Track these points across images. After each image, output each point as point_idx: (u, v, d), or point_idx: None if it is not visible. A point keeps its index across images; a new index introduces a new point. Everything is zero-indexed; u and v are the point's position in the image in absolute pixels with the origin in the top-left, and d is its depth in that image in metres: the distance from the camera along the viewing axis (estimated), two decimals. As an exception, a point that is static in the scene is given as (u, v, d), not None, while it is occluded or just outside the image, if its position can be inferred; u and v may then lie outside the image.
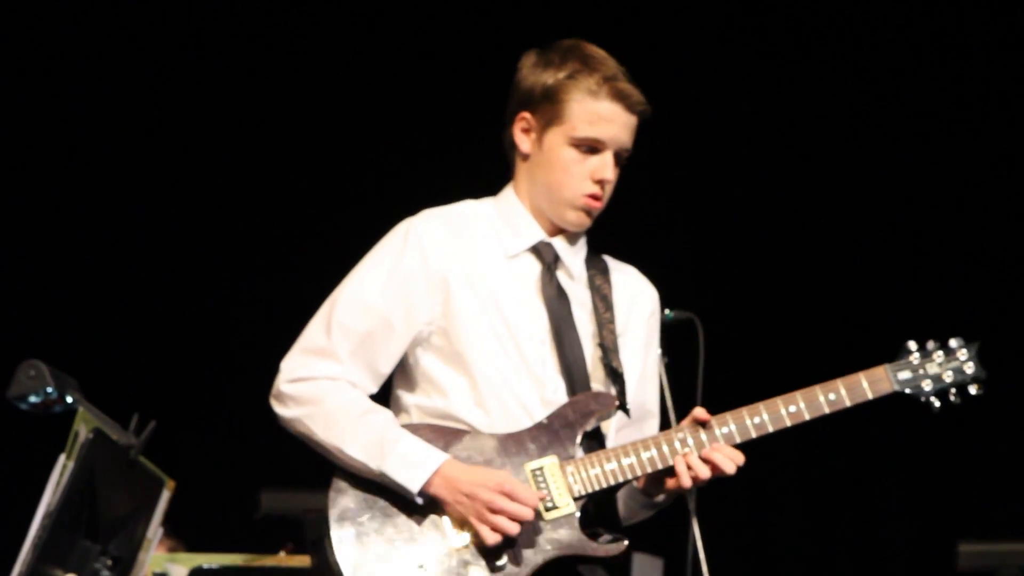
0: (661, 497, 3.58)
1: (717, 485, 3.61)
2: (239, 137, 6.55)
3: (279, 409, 3.57)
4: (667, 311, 5.25)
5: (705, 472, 3.46)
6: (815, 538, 6.79)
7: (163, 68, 6.54)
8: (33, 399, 3.59)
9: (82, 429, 3.56)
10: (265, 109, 6.58)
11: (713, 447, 3.48)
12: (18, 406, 3.61)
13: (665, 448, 3.49)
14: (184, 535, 5.26)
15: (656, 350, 3.75)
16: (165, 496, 3.96)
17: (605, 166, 3.56)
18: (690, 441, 3.50)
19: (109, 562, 3.66)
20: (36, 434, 4.21)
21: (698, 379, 4.92)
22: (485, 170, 3.77)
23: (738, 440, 3.52)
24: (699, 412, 3.53)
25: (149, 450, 3.73)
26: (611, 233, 3.80)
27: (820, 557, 6.78)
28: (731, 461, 3.47)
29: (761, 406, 3.54)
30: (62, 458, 3.51)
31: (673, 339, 5.19)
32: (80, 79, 6.47)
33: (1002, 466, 6.45)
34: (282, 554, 5.16)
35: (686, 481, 3.47)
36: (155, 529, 3.98)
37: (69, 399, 3.61)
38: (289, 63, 6.59)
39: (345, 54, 6.61)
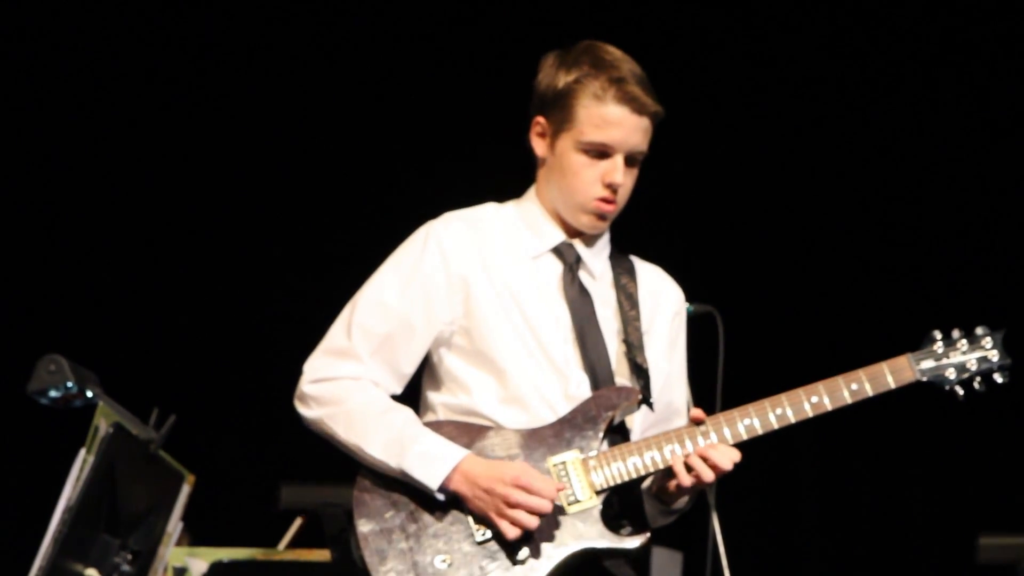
0: (676, 504, 3.57)
1: (737, 479, 3.60)
2: (262, 136, 6.56)
3: (302, 410, 3.59)
4: (687, 305, 5.26)
5: (706, 472, 3.43)
6: (835, 531, 6.78)
7: (197, 73, 6.55)
8: (53, 394, 3.60)
9: (102, 424, 3.56)
10: (293, 112, 6.59)
11: (709, 445, 3.46)
12: (38, 401, 3.62)
13: (688, 442, 3.48)
14: (198, 529, 5.26)
15: (683, 350, 3.74)
16: (185, 490, 3.96)
17: (615, 170, 3.55)
18: (712, 436, 3.48)
19: (129, 556, 3.67)
20: (56, 429, 4.21)
21: (718, 372, 4.91)
22: (510, 173, 3.77)
23: (760, 432, 3.50)
24: (695, 413, 3.51)
25: (169, 444, 3.74)
26: (632, 227, 3.79)
27: (840, 550, 6.77)
28: (729, 459, 3.45)
29: (783, 397, 3.52)
30: (82, 452, 3.52)
31: (693, 332, 5.19)
32: (114, 79, 6.48)
33: (1023, 458, 6.44)
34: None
35: (685, 480, 3.44)
36: (175, 523, 3.99)
37: (89, 394, 3.62)
38: (317, 69, 6.60)
39: (371, 58, 6.61)
